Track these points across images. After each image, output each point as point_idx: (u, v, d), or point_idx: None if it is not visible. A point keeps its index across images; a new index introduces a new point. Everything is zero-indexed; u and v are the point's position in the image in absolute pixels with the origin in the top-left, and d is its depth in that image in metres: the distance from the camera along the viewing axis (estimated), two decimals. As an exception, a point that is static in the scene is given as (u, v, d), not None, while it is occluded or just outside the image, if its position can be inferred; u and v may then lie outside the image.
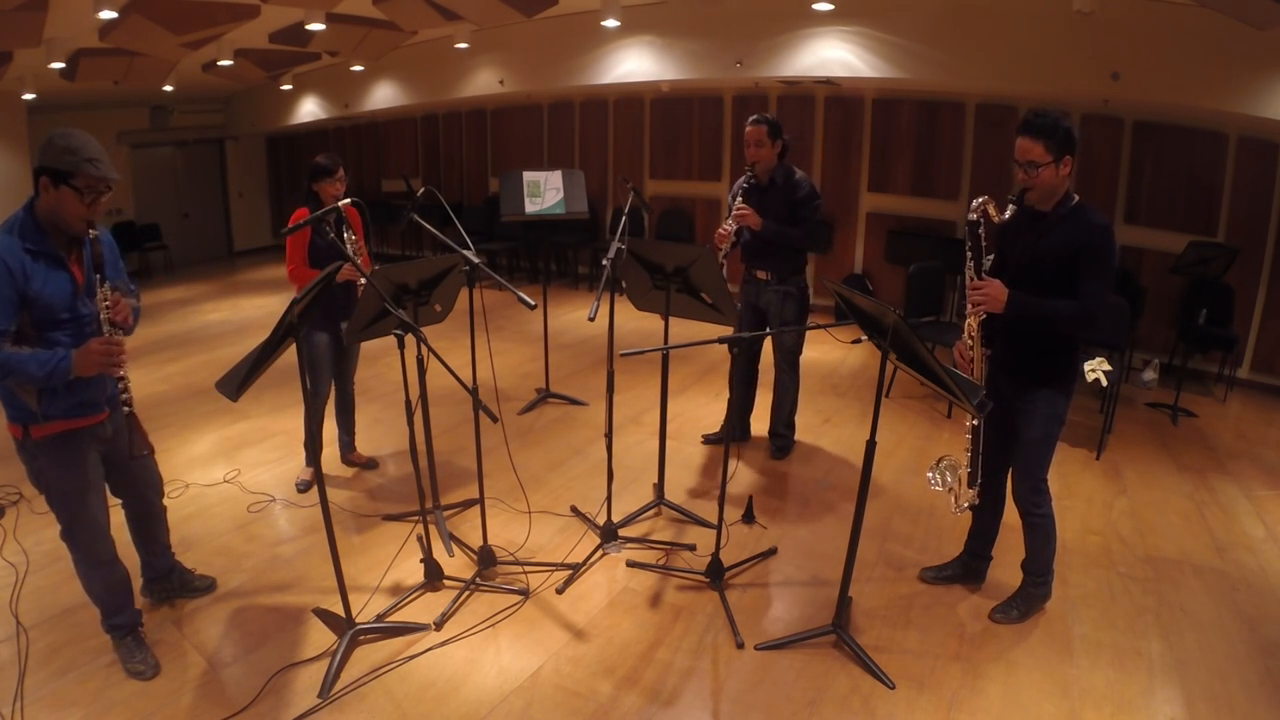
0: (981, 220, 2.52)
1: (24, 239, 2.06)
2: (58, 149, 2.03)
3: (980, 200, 2.49)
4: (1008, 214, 2.47)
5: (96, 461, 2.38)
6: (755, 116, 3.64)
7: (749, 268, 3.85)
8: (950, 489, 2.72)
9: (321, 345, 3.55)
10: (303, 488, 3.76)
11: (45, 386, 2.09)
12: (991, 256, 2.65)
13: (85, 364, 2.08)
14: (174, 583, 2.86)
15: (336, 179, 3.47)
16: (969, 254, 2.55)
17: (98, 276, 2.16)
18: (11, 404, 2.19)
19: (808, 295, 3.84)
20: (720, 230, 3.62)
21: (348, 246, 3.40)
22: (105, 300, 2.14)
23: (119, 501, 2.61)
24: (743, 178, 3.70)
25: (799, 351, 3.96)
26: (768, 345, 4.10)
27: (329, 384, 3.68)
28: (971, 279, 2.55)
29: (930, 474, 2.72)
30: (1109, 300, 2.38)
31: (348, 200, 3.07)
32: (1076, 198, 2.46)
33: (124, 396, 2.19)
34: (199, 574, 2.96)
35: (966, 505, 2.75)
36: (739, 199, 3.63)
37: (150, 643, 2.59)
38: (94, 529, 2.37)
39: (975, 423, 2.64)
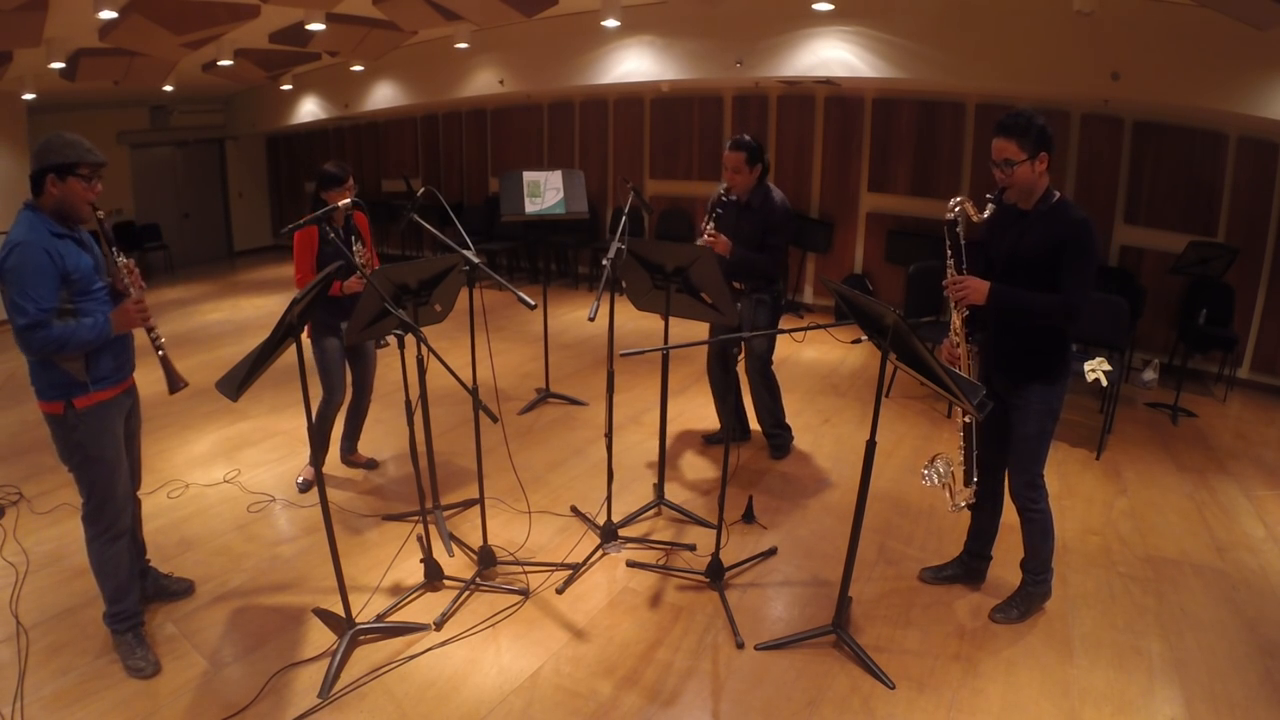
0: (959, 219, 2.56)
1: (49, 227, 2.29)
2: (58, 147, 2.28)
3: (957, 199, 2.55)
4: (986, 212, 2.52)
5: (123, 433, 2.54)
6: (733, 141, 3.58)
7: (725, 277, 3.87)
8: (944, 484, 2.72)
9: (333, 350, 3.55)
10: (303, 487, 3.77)
11: (93, 349, 2.35)
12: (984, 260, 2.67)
13: (124, 321, 2.39)
14: (149, 586, 2.85)
15: (346, 188, 3.44)
16: (948, 252, 2.59)
17: (114, 249, 2.43)
18: (51, 381, 2.35)
19: (780, 303, 3.88)
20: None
21: (356, 256, 3.40)
22: (127, 268, 2.43)
23: None
24: (717, 195, 3.67)
25: (769, 359, 3.96)
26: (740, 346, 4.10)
27: (344, 389, 3.68)
28: (951, 275, 2.58)
29: (924, 470, 2.73)
30: (1090, 294, 2.43)
31: (348, 201, 3.06)
32: (1058, 194, 2.49)
33: (159, 342, 2.50)
34: (176, 577, 2.96)
35: (963, 504, 2.75)
36: (710, 224, 3.59)
37: (150, 642, 2.59)
38: (122, 499, 2.50)
39: (967, 419, 2.64)
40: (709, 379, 4.15)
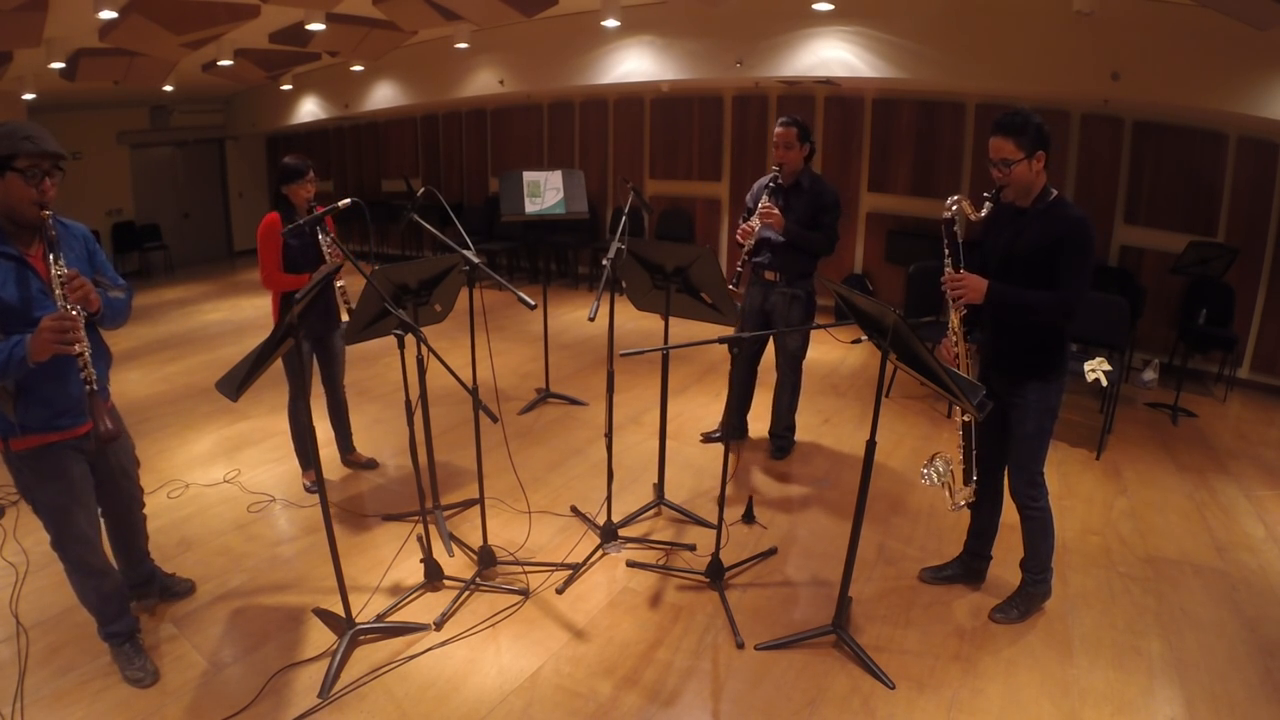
0: (956, 218, 2.56)
1: None
2: None
3: (954, 198, 2.54)
4: (984, 211, 2.51)
5: (84, 474, 2.31)
6: (786, 118, 3.61)
7: (758, 268, 3.85)
8: (944, 484, 2.72)
9: (302, 350, 3.49)
10: (311, 489, 3.74)
11: (11, 379, 1.98)
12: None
13: (38, 345, 1.92)
14: (154, 589, 2.85)
15: (307, 180, 3.41)
16: (946, 251, 2.58)
17: (51, 257, 1.99)
18: None
19: (814, 299, 3.85)
20: (745, 226, 3.61)
21: (325, 249, 3.40)
22: (60, 274, 1.96)
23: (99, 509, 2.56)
24: (767, 177, 3.70)
25: (803, 355, 3.96)
26: (770, 347, 4.09)
27: (309, 386, 3.61)
28: (949, 273, 2.57)
29: (924, 470, 2.72)
30: (1087, 291, 2.43)
31: (347, 201, 3.05)
32: (1055, 192, 2.49)
33: (83, 374, 1.97)
34: (179, 577, 2.95)
35: (963, 503, 2.75)
36: (765, 199, 3.60)
37: (149, 645, 2.59)
38: (83, 541, 2.32)
39: (965, 419, 2.64)
40: (732, 377, 4.16)
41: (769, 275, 3.79)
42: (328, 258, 3.40)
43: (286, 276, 3.39)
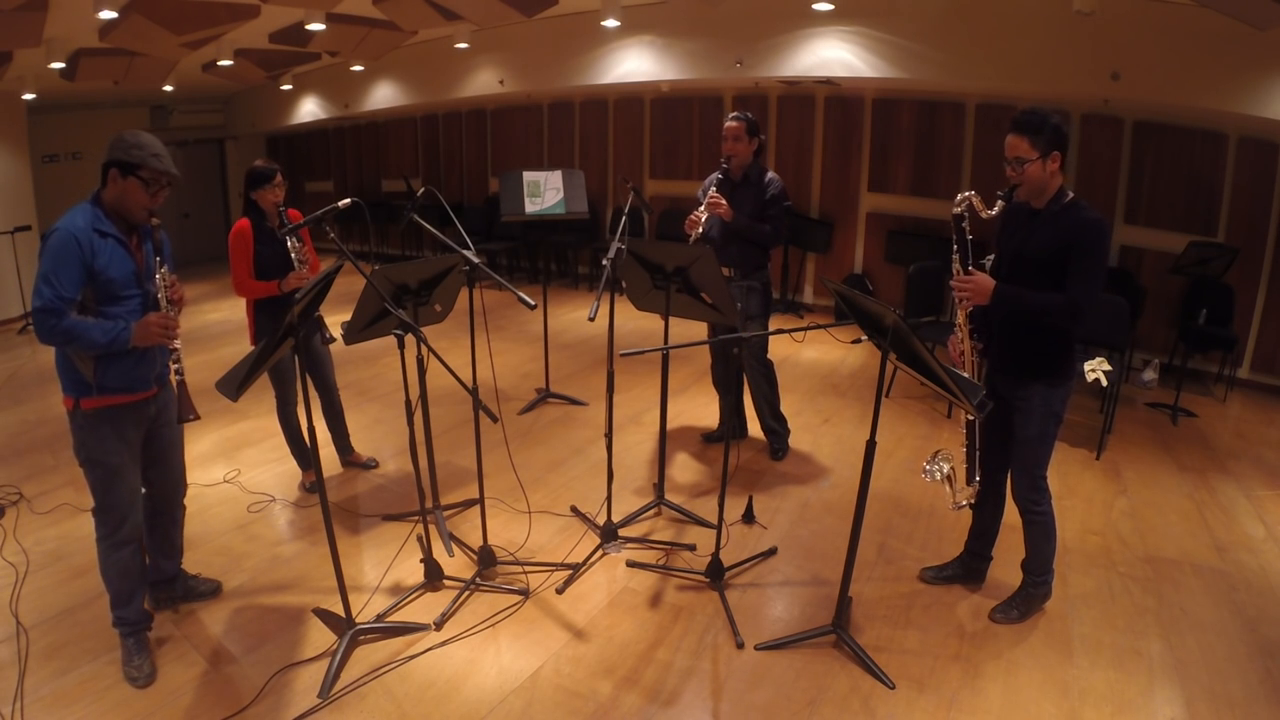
0: (966, 214, 2.53)
1: (94, 221, 2.27)
2: (127, 144, 2.27)
3: (964, 194, 2.52)
4: (995, 209, 2.48)
5: (137, 441, 2.48)
6: (735, 113, 3.71)
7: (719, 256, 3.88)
8: (946, 479, 2.71)
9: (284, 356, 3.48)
10: (310, 489, 3.74)
11: (103, 353, 2.28)
12: (991, 256, 2.66)
13: (144, 335, 2.30)
14: (179, 589, 2.85)
15: (275, 185, 3.40)
16: (954, 247, 2.56)
17: (158, 259, 2.40)
18: (69, 376, 2.34)
19: (770, 290, 3.91)
20: (691, 217, 3.64)
21: (293, 254, 3.39)
22: (165, 280, 2.39)
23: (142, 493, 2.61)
24: (716, 171, 3.76)
25: (765, 346, 4.00)
26: None
27: (295, 390, 3.61)
28: (957, 272, 2.56)
29: (926, 465, 2.72)
30: (1098, 294, 2.41)
31: (347, 201, 3.05)
32: (1070, 194, 2.47)
33: (175, 366, 2.39)
34: (204, 578, 2.95)
35: (964, 503, 2.74)
36: (713, 189, 3.66)
37: (152, 646, 2.58)
38: (123, 507, 2.44)
39: (970, 418, 2.64)
40: (711, 375, 4.16)
41: (725, 271, 3.80)
42: (297, 265, 3.39)
43: (257, 283, 3.38)
